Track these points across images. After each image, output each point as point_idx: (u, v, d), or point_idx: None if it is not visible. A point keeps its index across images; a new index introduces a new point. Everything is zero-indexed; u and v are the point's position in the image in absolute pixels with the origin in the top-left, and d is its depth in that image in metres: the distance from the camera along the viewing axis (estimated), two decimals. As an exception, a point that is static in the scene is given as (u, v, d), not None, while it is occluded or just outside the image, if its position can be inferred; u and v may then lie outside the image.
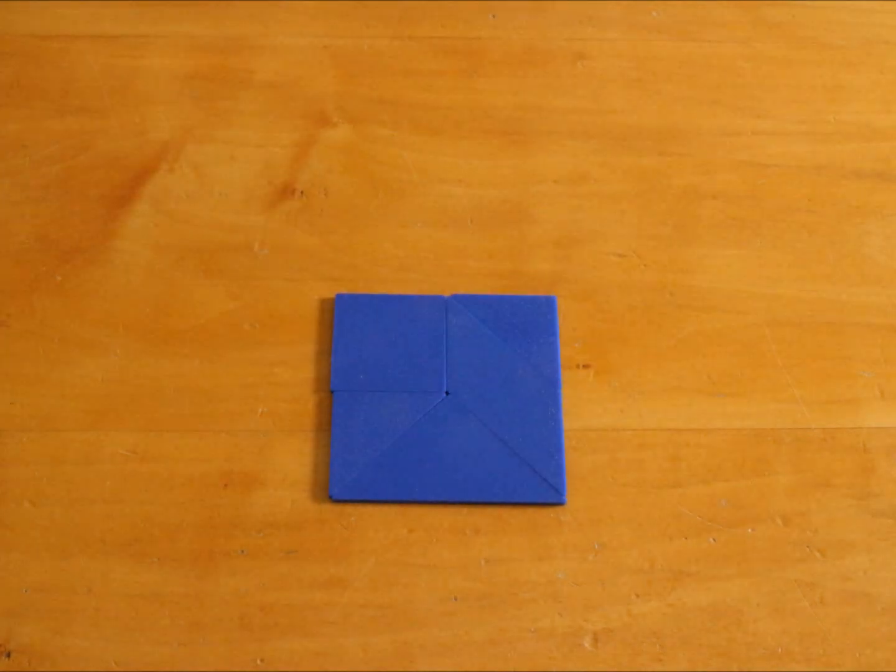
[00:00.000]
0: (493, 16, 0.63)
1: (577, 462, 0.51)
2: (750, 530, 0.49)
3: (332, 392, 0.51)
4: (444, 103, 0.60)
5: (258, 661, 0.47)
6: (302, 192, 0.58)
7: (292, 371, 0.53)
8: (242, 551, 0.49)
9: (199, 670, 0.47)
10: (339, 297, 0.54)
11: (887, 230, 0.57)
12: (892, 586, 0.48)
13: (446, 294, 0.54)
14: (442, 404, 0.51)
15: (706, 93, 0.61)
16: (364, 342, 0.53)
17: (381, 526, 0.49)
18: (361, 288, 0.55)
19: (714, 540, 0.49)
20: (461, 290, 0.55)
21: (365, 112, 0.60)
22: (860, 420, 0.52)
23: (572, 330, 0.54)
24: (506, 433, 0.50)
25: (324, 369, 0.53)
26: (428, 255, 0.56)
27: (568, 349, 0.53)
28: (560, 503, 0.49)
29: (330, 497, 0.49)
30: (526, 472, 0.50)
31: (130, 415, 0.52)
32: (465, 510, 0.50)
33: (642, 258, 0.56)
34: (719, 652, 0.47)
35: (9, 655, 0.47)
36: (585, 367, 0.53)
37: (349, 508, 0.50)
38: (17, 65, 0.61)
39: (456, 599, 0.48)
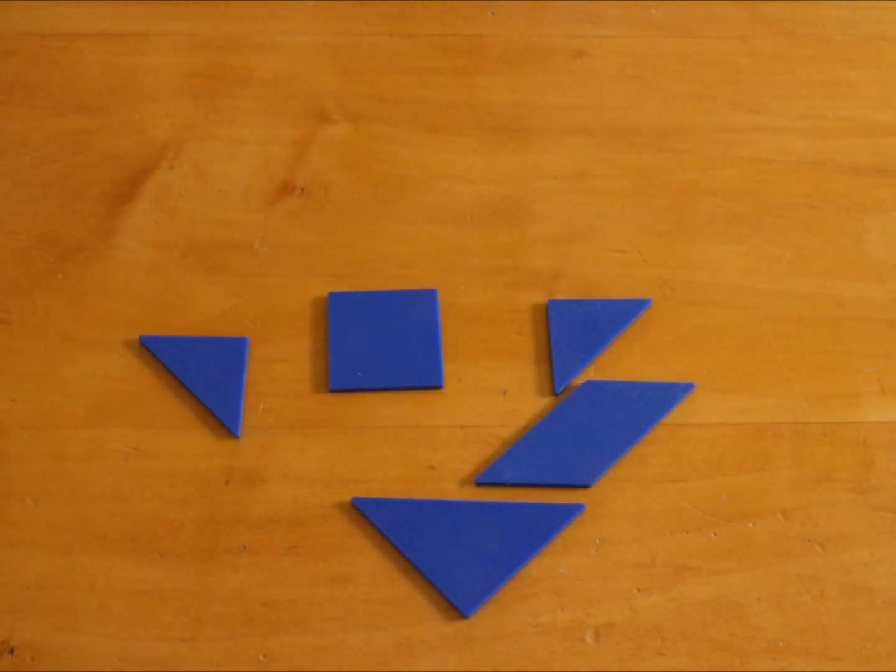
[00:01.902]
0: (493, 13, 0.63)
1: (578, 457, 0.51)
2: (751, 524, 0.50)
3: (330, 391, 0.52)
4: (443, 100, 0.60)
5: (261, 657, 0.47)
6: (302, 190, 0.58)
7: (293, 368, 0.53)
8: (244, 547, 0.49)
9: (201, 666, 0.47)
10: (332, 295, 0.54)
11: (886, 225, 0.57)
12: (892, 580, 0.48)
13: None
14: None
15: (705, 89, 0.61)
16: (359, 339, 0.53)
17: (383, 521, 0.50)
18: (361, 285, 0.55)
19: (715, 534, 0.49)
20: (462, 287, 0.55)
21: (365, 109, 0.60)
22: (860, 415, 0.52)
23: (573, 326, 0.54)
24: None
25: (324, 366, 0.53)
26: (428, 252, 0.56)
27: (568, 345, 0.54)
28: None
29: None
30: None
31: (132, 412, 0.52)
32: (466, 505, 0.50)
33: (642, 254, 0.56)
34: (721, 646, 0.47)
35: (12, 652, 0.47)
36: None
37: (350, 503, 0.50)
38: (17, 63, 0.61)
39: (458, 594, 0.48)
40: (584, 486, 0.50)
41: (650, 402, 0.51)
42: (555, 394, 0.52)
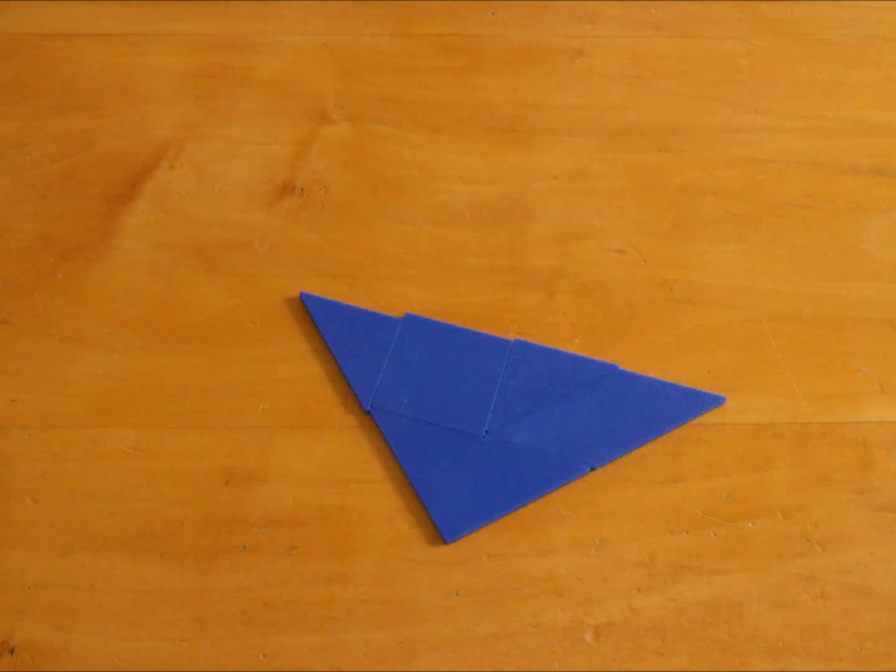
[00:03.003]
0: (493, 13, 0.63)
1: (578, 457, 0.51)
2: (750, 524, 0.50)
3: (368, 411, 0.51)
4: (443, 100, 0.60)
5: (261, 657, 0.47)
6: (302, 190, 0.58)
7: (293, 367, 0.53)
8: (244, 547, 0.49)
9: (201, 666, 0.47)
10: (408, 316, 0.53)
11: (886, 225, 0.57)
12: (892, 580, 0.48)
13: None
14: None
15: (705, 89, 0.61)
16: (418, 366, 0.52)
17: (383, 521, 0.50)
18: (361, 285, 0.55)
19: (715, 534, 0.49)
20: (462, 287, 0.55)
21: (365, 109, 0.60)
22: (860, 415, 0.52)
23: (572, 326, 0.54)
24: None
25: (324, 366, 0.53)
26: (428, 252, 0.56)
27: (568, 345, 0.54)
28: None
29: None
30: None
31: (132, 412, 0.52)
32: (466, 505, 0.50)
33: (642, 254, 0.56)
34: (720, 646, 0.47)
35: (12, 652, 0.47)
36: (586, 362, 0.53)
37: (351, 504, 0.50)
38: (17, 63, 0.61)
39: (458, 594, 0.48)
40: (590, 469, 0.50)
41: (675, 405, 0.51)
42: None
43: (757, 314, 0.55)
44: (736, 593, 0.48)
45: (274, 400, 0.52)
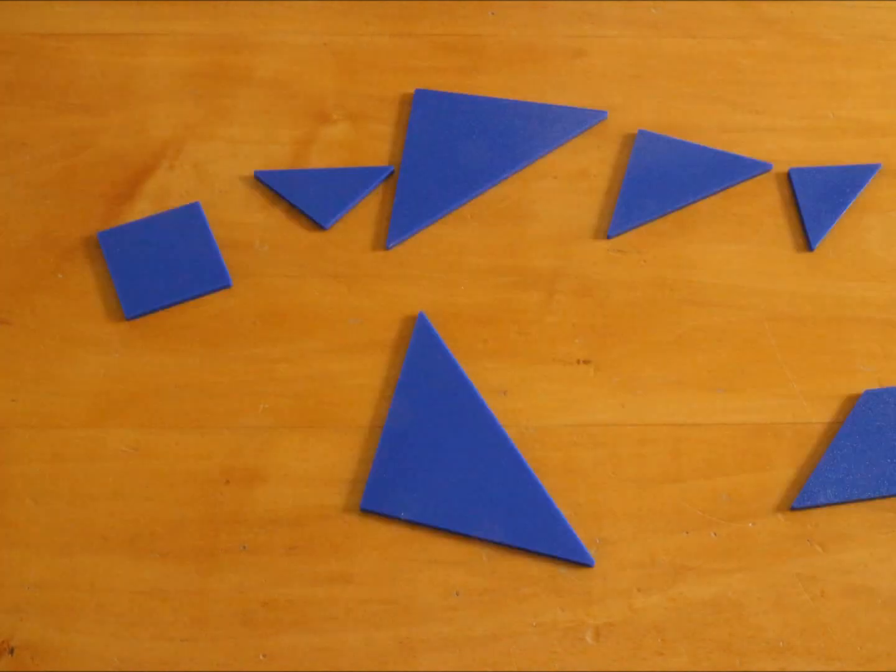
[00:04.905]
0: (493, 13, 0.63)
1: (579, 457, 0.51)
2: (751, 524, 0.50)
3: None
4: (443, 100, 0.60)
5: (261, 657, 0.47)
6: (302, 190, 0.58)
7: (293, 367, 0.53)
8: (244, 547, 0.49)
9: (201, 666, 0.47)
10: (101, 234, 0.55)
11: (886, 225, 0.57)
12: (892, 580, 0.48)
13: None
14: None
15: (705, 89, 0.61)
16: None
17: (383, 522, 0.49)
18: (361, 284, 0.55)
19: (715, 534, 0.49)
20: (462, 287, 0.55)
21: (365, 109, 0.60)
22: (860, 414, 0.52)
23: (572, 325, 0.54)
24: None
25: (325, 366, 0.53)
26: (428, 252, 0.56)
27: (568, 345, 0.54)
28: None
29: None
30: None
31: (132, 411, 0.52)
32: (466, 505, 0.50)
33: (642, 254, 0.56)
34: (721, 646, 0.47)
35: (12, 652, 0.47)
36: (586, 362, 0.53)
37: (351, 504, 0.50)
38: (17, 63, 0.61)
39: (458, 594, 0.48)
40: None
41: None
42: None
43: (757, 314, 0.55)
44: (736, 593, 0.48)
45: (274, 400, 0.52)
